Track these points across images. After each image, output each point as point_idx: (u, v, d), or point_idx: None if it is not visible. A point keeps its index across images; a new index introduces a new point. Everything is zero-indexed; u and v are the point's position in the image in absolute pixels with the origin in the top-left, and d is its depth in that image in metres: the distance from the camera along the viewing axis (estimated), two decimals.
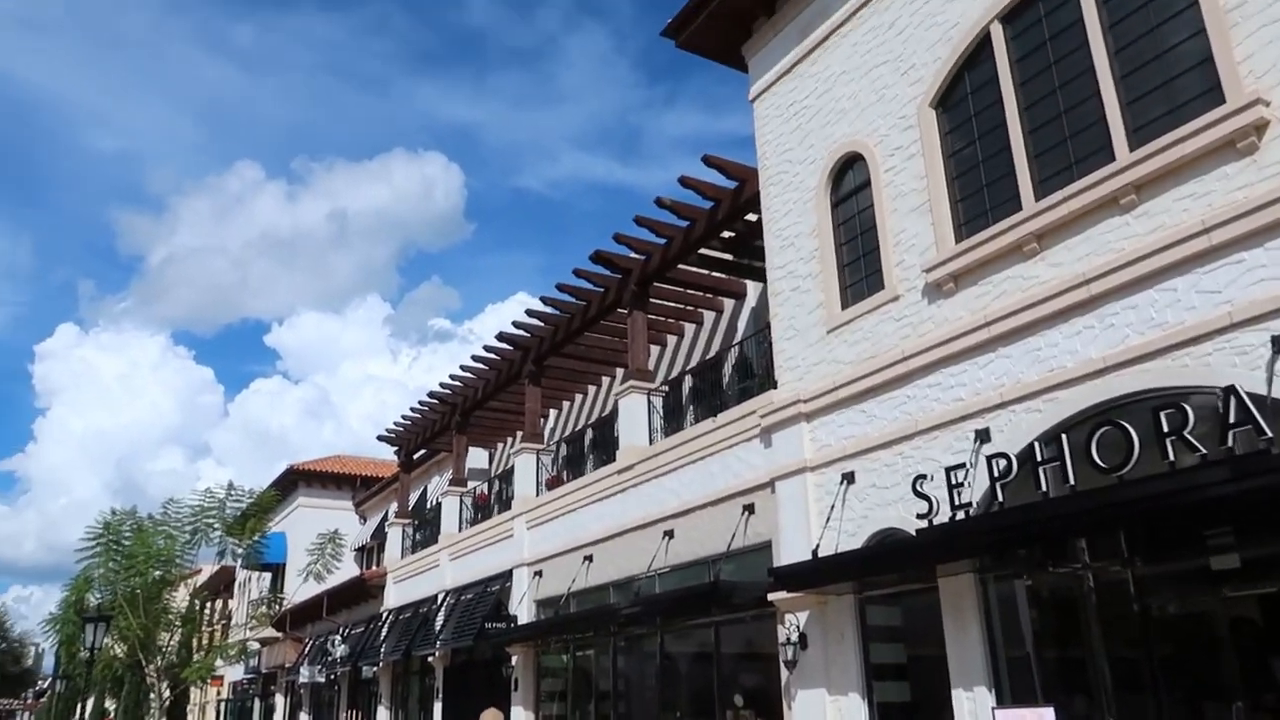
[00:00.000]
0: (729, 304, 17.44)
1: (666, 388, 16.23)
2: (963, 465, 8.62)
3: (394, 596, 24.58)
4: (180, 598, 25.18)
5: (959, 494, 8.47)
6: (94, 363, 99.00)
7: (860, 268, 11.06)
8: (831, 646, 10.40)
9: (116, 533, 20.70)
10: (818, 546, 10.29)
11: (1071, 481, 7.55)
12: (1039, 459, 7.87)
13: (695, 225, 14.31)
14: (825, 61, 11.99)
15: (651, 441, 14.99)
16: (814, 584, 9.94)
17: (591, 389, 21.81)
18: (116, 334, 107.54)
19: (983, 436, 8.95)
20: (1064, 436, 7.67)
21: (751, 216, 14.76)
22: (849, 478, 10.51)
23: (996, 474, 8.18)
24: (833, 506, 10.53)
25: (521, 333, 18.67)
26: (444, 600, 20.95)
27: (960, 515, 8.50)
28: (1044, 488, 7.74)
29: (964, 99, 9.99)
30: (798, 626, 10.69)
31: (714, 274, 16.73)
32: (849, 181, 11.46)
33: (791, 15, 12.58)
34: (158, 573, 20.71)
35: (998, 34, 9.56)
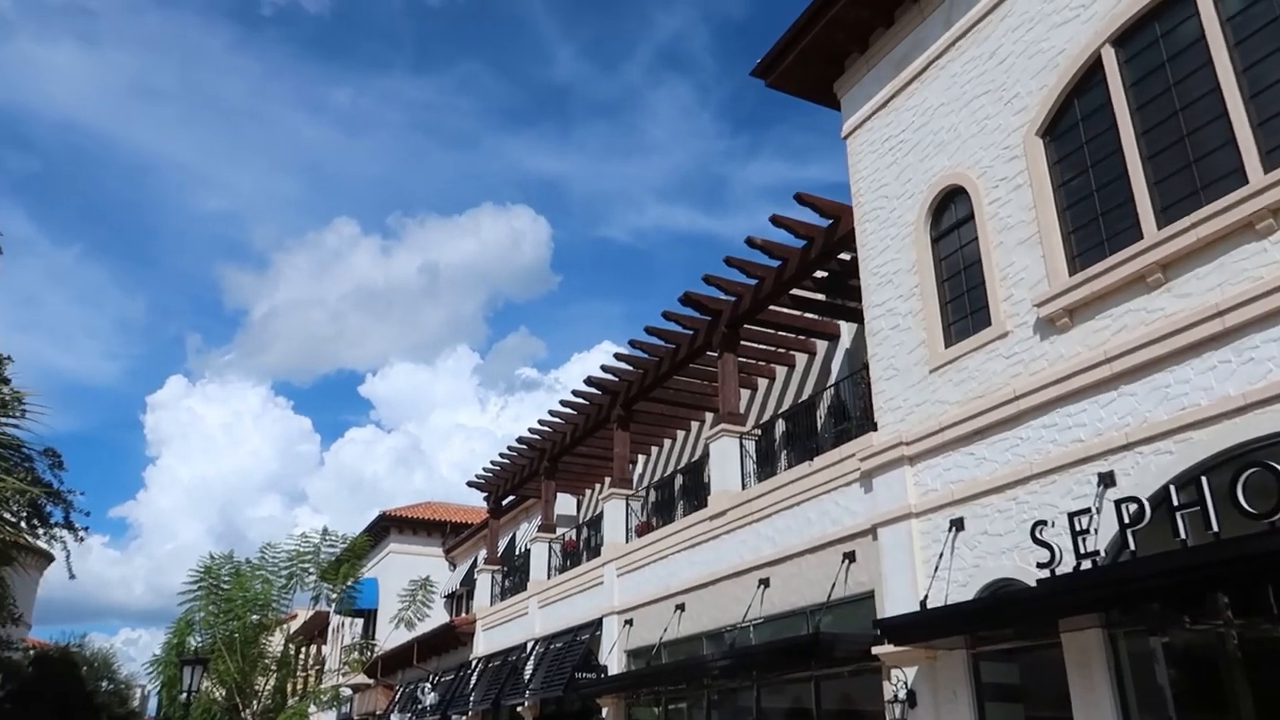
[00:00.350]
0: (822, 346, 17.04)
1: (759, 431, 15.85)
2: (1087, 510, 8.04)
3: (483, 644, 24.47)
4: (276, 642, 25.63)
5: (1084, 542, 7.89)
6: (200, 413, 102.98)
7: (964, 304, 10.61)
8: (943, 706, 9.78)
9: (216, 577, 21.21)
10: (926, 597, 9.73)
11: (1215, 528, 6.93)
12: (1175, 504, 7.26)
13: (787, 264, 14.03)
14: (922, 94, 11.68)
15: (744, 486, 14.60)
16: (924, 638, 9.38)
17: (680, 434, 21.53)
18: (221, 385, 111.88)
19: (1107, 480, 8.35)
20: (1204, 479, 7.06)
21: (845, 255, 14.43)
22: (958, 524, 9.97)
23: (1126, 519, 7.58)
24: (941, 555, 9.98)
25: (610, 377, 18.58)
26: (533, 648, 20.72)
27: (1086, 564, 7.90)
28: (1182, 535, 7.12)
29: (1074, 126, 9.55)
30: (905, 683, 10.11)
31: (806, 315, 16.37)
32: (950, 216, 11.06)
33: (886, 50, 12.34)
34: (255, 617, 21.10)
35: (1110, 58, 9.13)
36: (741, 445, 14.96)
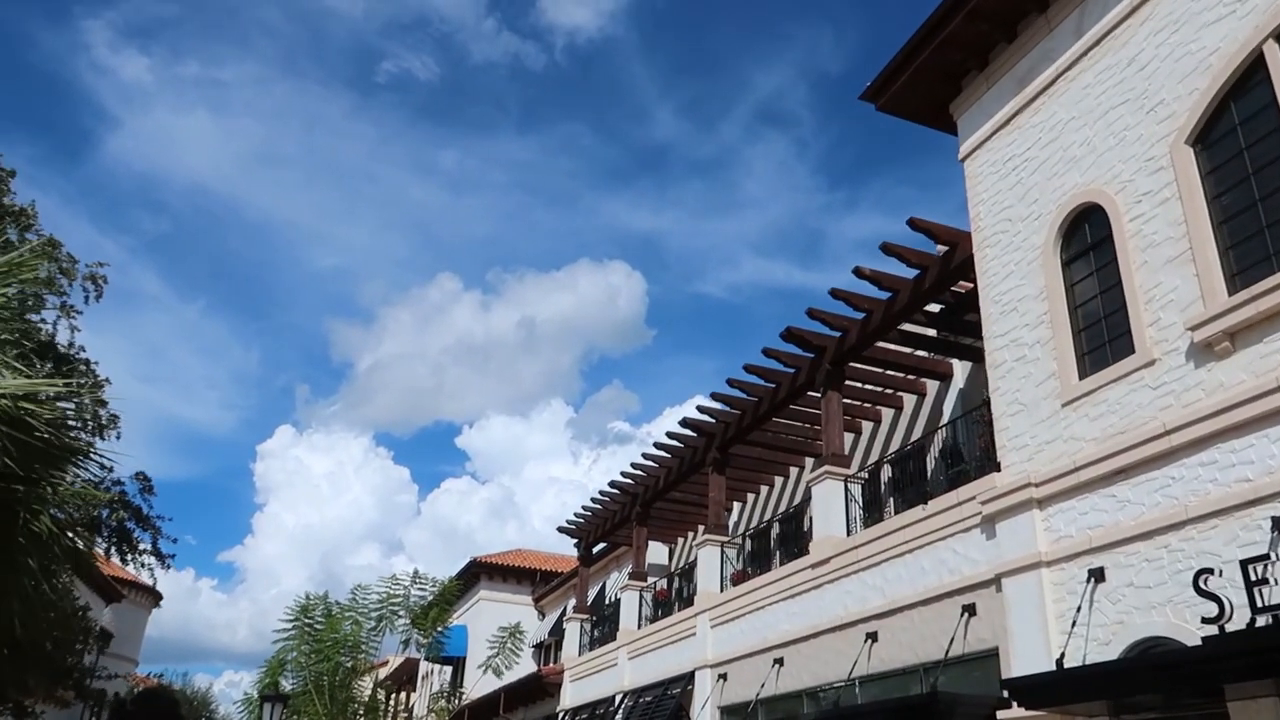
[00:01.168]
0: (932, 387, 16.03)
1: (865, 475, 14.88)
2: (1266, 556, 6.95)
3: (570, 696, 23.69)
4: (366, 687, 25.42)
5: (1261, 594, 6.79)
6: (306, 462, 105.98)
7: (1101, 331, 9.62)
8: None
9: (310, 617, 21.15)
10: (1063, 655, 8.65)
11: None
12: None
13: (897, 297, 13.20)
14: (1049, 109, 10.85)
15: (849, 533, 13.63)
16: (1061, 701, 8.29)
17: (779, 480, 20.61)
18: (326, 435, 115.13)
19: None
20: None
21: (962, 287, 13.53)
22: (1097, 575, 8.88)
23: None
24: (1079, 609, 8.89)
25: (706, 418, 17.89)
26: (622, 702, 19.85)
27: (1263, 620, 6.80)
28: None
29: (1230, 132, 8.60)
30: None
31: (916, 353, 15.45)
32: (1083, 236, 10.14)
33: (1008, 66, 11.58)
34: (347, 661, 20.91)
35: (1274, 54, 8.19)
36: (846, 489, 14.03)
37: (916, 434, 15.87)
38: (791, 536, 18.67)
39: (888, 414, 17.14)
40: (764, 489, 21.14)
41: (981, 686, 10.05)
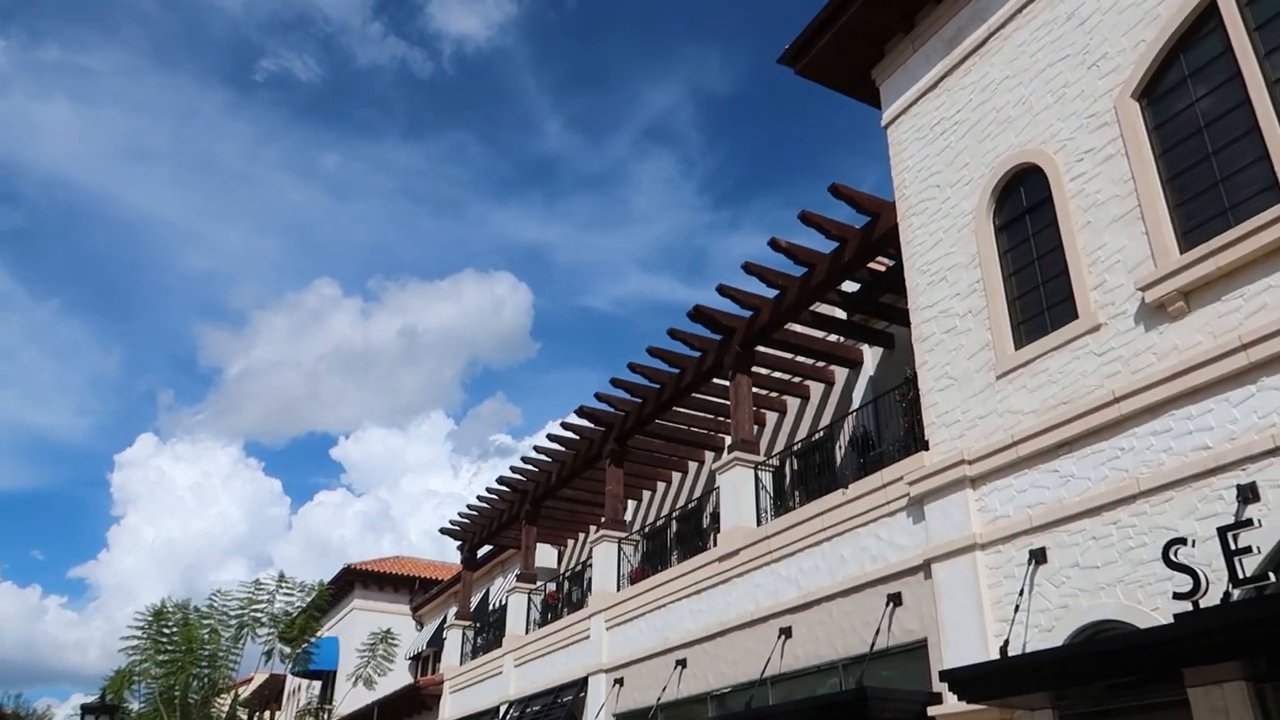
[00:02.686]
0: (841, 375, 15.41)
1: (777, 462, 14.09)
2: (1249, 522, 6.33)
3: (450, 707, 22.13)
4: (223, 703, 23.21)
5: (1242, 565, 6.17)
6: (169, 472, 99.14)
7: (1039, 298, 9.04)
8: None
9: (164, 624, 18.98)
10: (1006, 643, 7.93)
11: None
12: None
13: (814, 271, 12.46)
14: (981, 70, 10.30)
15: (760, 523, 12.79)
16: (1007, 692, 7.55)
17: (677, 476, 19.71)
18: (192, 444, 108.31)
19: (1247, 494, 6.68)
20: None
21: (880, 264, 12.94)
22: (1038, 556, 8.23)
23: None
24: (1022, 592, 8.21)
25: (605, 407, 16.80)
26: (507, 712, 18.49)
27: (1239, 595, 6.18)
28: None
29: (1180, 84, 8.12)
30: None
31: (828, 338, 14.80)
32: (1018, 200, 9.57)
33: (935, 27, 11.01)
34: (204, 672, 18.81)
35: (1228, 1, 7.74)
36: (757, 477, 13.19)
37: (825, 424, 15.20)
38: (690, 535, 17.79)
39: (794, 404, 16.45)
40: (661, 485, 20.20)
41: (909, 681, 9.30)
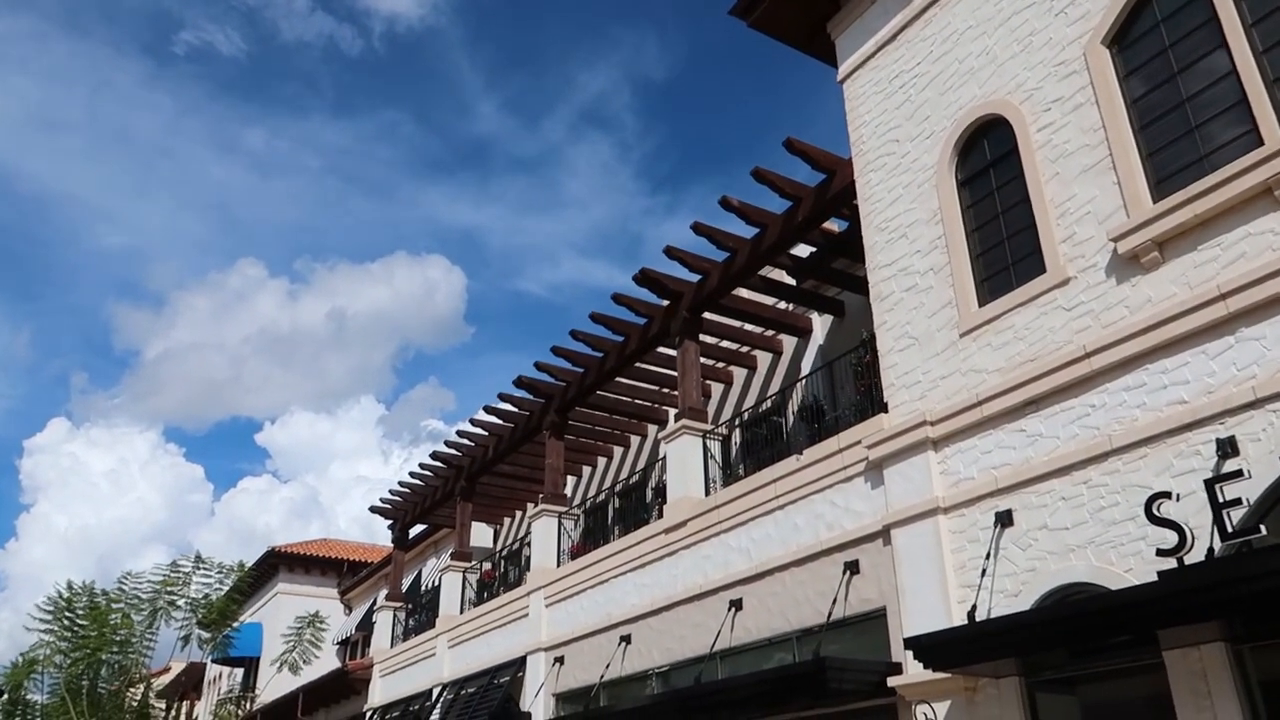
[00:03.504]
0: (789, 344, 15.05)
1: (725, 431, 13.66)
2: (1238, 473, 6.05)
3: (381, 692, 21.34)
4: (136, 695, 22.05)
5: (1230, 518, 5.90)
6: (83, 458, 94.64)
7: (1003, 254, 8.72)
8: None
9: (72, 611, 17.82)
10: (974, 608, 7.61)
11: None
12: None
13: (767, 232, 12.02)
14: (942, 20, 9.93)
15: (709, 493, 12.35)
16: (976, 658, 7.22)
17: (619, 451, 19.20)
18: (107, 429, 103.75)
19: (1226, 448, 6.43)
20: None
21: (830, 228, 12.56)
22: (1004, 519, 7.93)
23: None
24: (989, 556, 7.89)
25: (545, 377, 16.18)
26: (440, 695, 17.83)
27: (1222, 551, 5.91)
28: None
29: (1152, 30, 7.83)
30: None
31: (777, 305, 14.42)
32: (982, 153, 9.24)
33: None
34: (117, 658, 17.71)
35: None
36: (705, 446, 12.75)
37: (773, 394, 14.83)
38: (633, 510, 17.33)
39: (740, 376, 16.05)
40: (602, 461, 19.67)
41: (867, 652, 8.96)
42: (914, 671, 8.13)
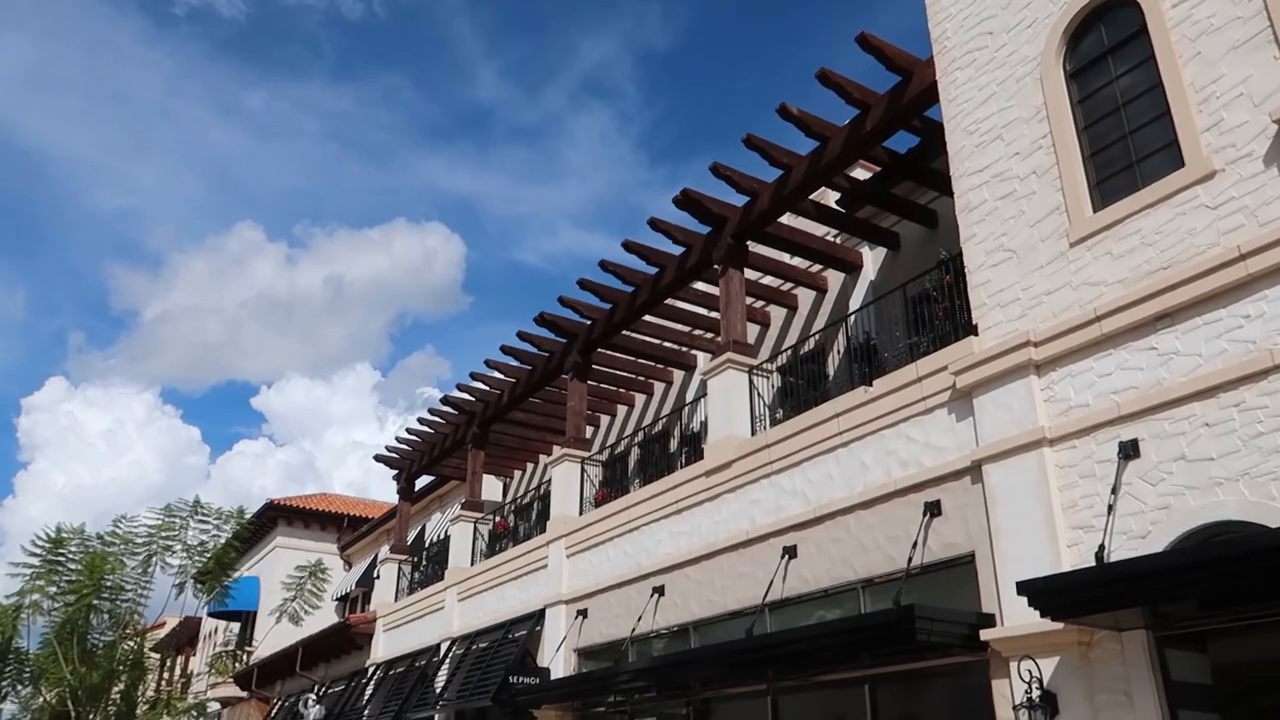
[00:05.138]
0: (835, 281, 13.91)
1: (772, 369, 12.56)
2: None
3: (384, 647, 20.42)
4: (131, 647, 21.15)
5: None
6: (80, 418, 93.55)
7: (1126, 150, 7.58)
8: (1103, 715, 6.58)
9: (63, 552, 16.82)
10: (1102, 549, 6.56)
11: None
12: None
13: (828, 145, 10.85)
14: None
15: (754, 432, 11.28)
16: (1104, 605, 6.16)
17: (640, 399, 18.12)
18: (104, 389, 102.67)
19: None
20: None
21: (890, 150, 11.37)
22: (1128, 450, 6.86)
23: None
24: (1113, 491, 6.82)
25: (569, 313, 15.04)
26: (449, 651, 16.88)
27: None
28: None
29: None
30: (1039, 681, 6.88)
31: (827, 235, 13.28)
32: (1098, 39, 8.06)
33: None
34: (108, 604, 16.73)
35: None
36: (751, 382, 11.66)
37: (816, 333, 13.71)
38: (655, 461, 16.29)
39: (778, 316, 14.93)
40: (623, 410, 18.61)
41: (947, 602, 7.92)
42: (1016, 622, 7.10)
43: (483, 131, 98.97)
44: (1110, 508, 6.73)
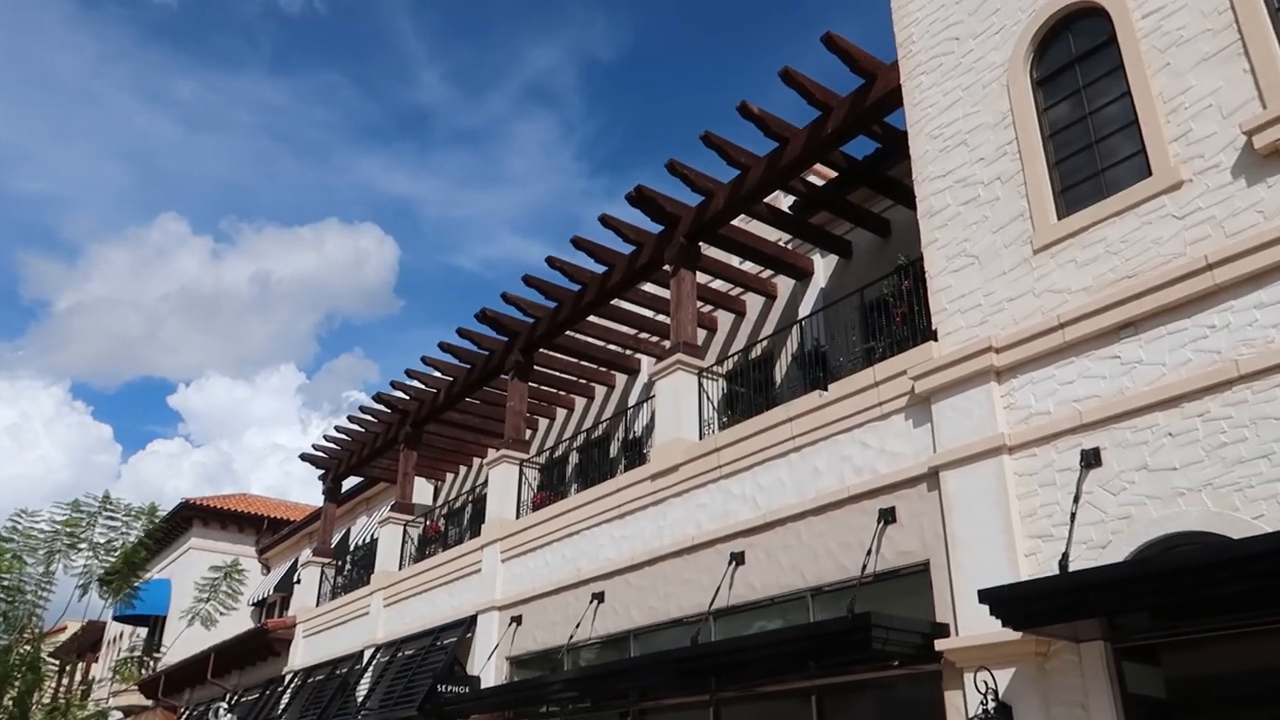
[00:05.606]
0: (785, 288, 13.77)
1: (722, 373, 12.34)
2: None
3: (303, 654, 19.59)
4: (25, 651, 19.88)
5: None
6: None
7: (1092, 158, 7.55)
8: None
9: None
10: (1066, 556, 6.43)
11: None
12: None
13: (788, 146, 10.70)
14: None
15: (702, 435, 11.03)
16: (1068, 615, 6.03)
17: (580, 403, 17.77)
18: (10, 382, 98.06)
19: None
20: None
21: (849, 156, 11.28)
22: (1090, 459, 6.77)
23: None
24: (1076, 499, 6.71)
25: (513, 310, 14.63)
26: (373, 658, 16.22)
27: None
28: None
29: None
30: (995, 693, 6.72)
31: (779, 241, 13.15)
32: (1065, 48, 8.04)
33: None
34: (3, 605, 15.70)
35: None
36: (701, 385, 11.41)
37: (766, 338, 13.54)
38: (594, 465, 15.94)
39: (725, 322, 14.75)
40: (561, 413, 18.22)
41: (899, 612, 7.73)
42: (972, 632, 6.95)
43: (423, 133, 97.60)
44: (1073, 515, 6.62)
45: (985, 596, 6.23)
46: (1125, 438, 6.65)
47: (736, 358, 13.41)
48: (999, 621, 6.35)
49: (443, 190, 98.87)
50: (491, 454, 15.10)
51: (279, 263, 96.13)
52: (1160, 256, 6.77)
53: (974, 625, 7.01)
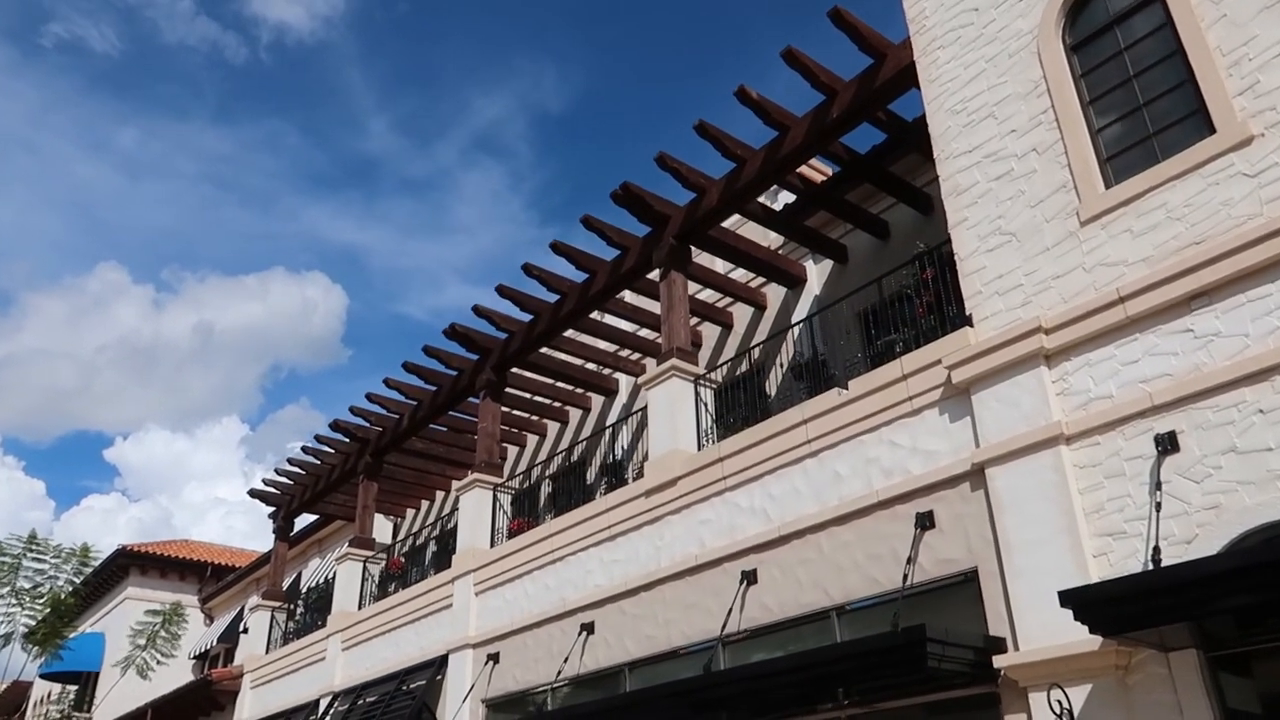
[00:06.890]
0: (776, 297, 13.04)
1: (716, 379, 11.49)
2: None
3: (251, 707, 18.06)
4: None
5: None
6: None
7: (1140, 122, 6.95)
8: None
9: None
10: (1157, 549, 5.65)
11: None
12: None
13: (787, 135, 10.02)
14: None
15: (701, 446, 10.15)
16: (1166, 617, 5.23)
17: (553, 428, 16.77)
18: None
19: None
20: None
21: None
22: (1165, 444, 6.04)
23: None
24: (1158, 488, 5.96)
25: (484, 323, 13.66)
26: (331, 707, 14.86)
27: None
28: None
29: None
30: (1070, 713, 5.88)
31: (770, 246, 12.45)
32: (1100, 9, 7.48)
33: None
34: None
35: None
36: (698, 393, 10.56)
37: (754, 356, 12.76)
38: (569, 492, 14.92)
39: (711, 335, 13.94)
40: (533, 440, 17.18)
41: (947, 626, 6.88)
42: (1037, 645, 6.12)
43: (370, 182, 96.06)
44: (1158, 506, 5.86)
45: (1067, 599, 5.40)
46: (1206, 418, 5.94)
47: (725, 367, 12.60)
48: (1070, 631, 5.60)
49: (391, 239, 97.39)
50: (464, 479, 14.01)
51: (223, 312, 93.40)
52: (1232, 219, 6.13)
53: (1039, 637, 6.20)
